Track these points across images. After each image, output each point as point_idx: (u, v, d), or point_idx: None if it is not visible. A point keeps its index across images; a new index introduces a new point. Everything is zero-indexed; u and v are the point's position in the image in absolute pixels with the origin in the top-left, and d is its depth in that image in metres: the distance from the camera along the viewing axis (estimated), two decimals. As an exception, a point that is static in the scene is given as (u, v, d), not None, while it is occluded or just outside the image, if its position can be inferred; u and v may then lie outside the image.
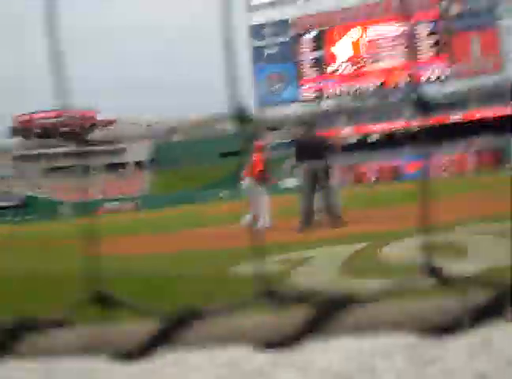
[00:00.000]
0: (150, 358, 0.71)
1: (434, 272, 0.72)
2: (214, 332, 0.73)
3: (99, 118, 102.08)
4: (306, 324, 0.68)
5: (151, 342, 0.73)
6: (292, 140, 14.33)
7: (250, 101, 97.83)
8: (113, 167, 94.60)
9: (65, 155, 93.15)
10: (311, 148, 13.63)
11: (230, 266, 7.19)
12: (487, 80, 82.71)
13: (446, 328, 0.63)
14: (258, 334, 0.72)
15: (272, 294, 0.74)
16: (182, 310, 0.74)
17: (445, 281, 0.71)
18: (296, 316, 0.70)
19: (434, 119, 77.31)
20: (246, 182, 16.35)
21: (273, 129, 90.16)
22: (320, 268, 6.82)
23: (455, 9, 79.88)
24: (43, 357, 0.75)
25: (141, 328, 0.75)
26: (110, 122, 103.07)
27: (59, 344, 0.76)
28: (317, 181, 13.68)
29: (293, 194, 15.66)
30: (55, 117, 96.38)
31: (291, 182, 53.53)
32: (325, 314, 0.69)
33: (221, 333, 0.71)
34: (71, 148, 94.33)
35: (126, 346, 0.73)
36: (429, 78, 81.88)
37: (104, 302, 0.80)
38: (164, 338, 0.73)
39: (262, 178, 16.52)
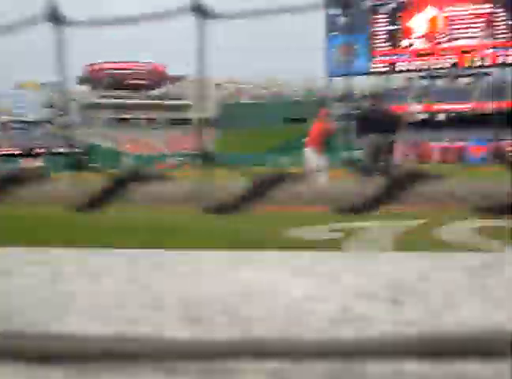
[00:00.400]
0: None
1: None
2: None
3: (169, 73, 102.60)
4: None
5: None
6: (357, 112, 13.88)
7: (320, 70, 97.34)
8: (178, 123, 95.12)
9: (132, 106, 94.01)
10: (376, 122, 13.38)
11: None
12: None
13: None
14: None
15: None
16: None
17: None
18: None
19: (506, 103, 75.85)
20: (308, 150, 16.37)
21: (341, 99, 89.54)
22: (371, 239, 6.93)
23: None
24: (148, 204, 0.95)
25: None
26: (179, 78, 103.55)
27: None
28: (379, 155, 13.58)
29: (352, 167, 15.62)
30: (126, 68, 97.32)
31: (352, 154, 53.18)
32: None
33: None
34: (138, 100, 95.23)
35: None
36: (504, 61, 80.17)
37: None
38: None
39: (324, 146, 16.54)
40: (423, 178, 0.82)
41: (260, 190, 0.87)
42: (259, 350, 0.67)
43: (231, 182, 0.94)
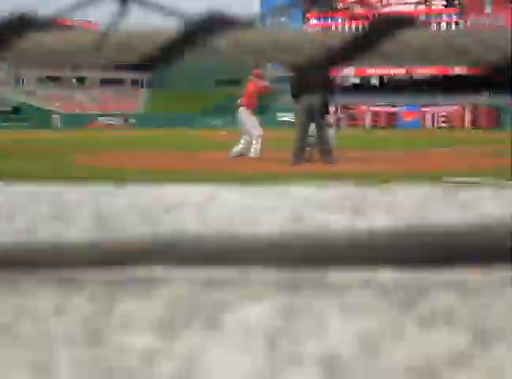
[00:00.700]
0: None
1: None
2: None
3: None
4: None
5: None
6: (292, 75, 14.44)
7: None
8: (110, 82, 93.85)
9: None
10: (310, 82, 13.58)
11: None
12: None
13: None
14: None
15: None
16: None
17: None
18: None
19: (436, 69, 76.91)
20: (242, 111, 16.28)
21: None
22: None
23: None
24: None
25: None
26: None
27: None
28: (313, 116, 13.79)
29: (288, 128, 15.67)
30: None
31: (287, 116, 53.38)
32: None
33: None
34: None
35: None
36: (439, 28, 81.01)
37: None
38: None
39: (257, 107, 16.51)
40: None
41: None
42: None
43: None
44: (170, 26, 0.70)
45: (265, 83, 17.48)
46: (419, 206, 0.87)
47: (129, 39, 0.70)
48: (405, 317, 0.57)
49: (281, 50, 0.68)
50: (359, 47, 0.66)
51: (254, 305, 0.62)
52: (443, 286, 0.66)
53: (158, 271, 0.70)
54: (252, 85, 16.46)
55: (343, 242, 0.71)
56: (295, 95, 13.90)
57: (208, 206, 1.01)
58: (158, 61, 0.70)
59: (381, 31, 0.65)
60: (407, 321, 0.56)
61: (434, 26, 79.61)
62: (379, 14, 0.66)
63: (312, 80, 13.63)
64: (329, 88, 14.23)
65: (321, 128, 13.91)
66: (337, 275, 0.72)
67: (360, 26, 69.89)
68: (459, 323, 0.56)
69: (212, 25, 0.68)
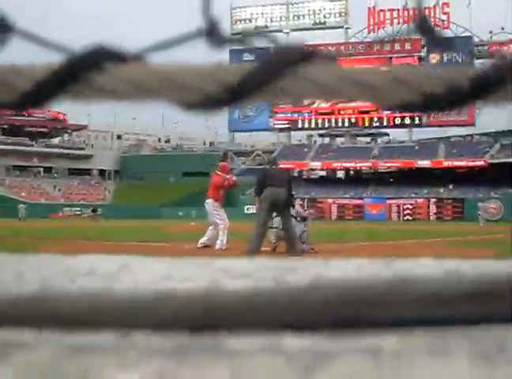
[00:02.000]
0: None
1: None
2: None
3: (70, 121, 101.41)
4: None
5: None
6: (258, 169, 15.41)
7: (222, 125, 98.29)
8: (77, 173, 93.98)
9: (31, 154, 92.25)
10: (274, 178, 14.11)
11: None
12: (459, 131, 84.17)
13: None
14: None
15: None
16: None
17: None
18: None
19: (401, 163, 78.16)
20: (209, 203, 16.31)
21: (241, 155, 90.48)
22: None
23: (433, 58, 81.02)
24: None
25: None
26: (80, 128, 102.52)
27: None
28: (277, 207, 14.06)
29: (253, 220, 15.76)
30: (25, 115, 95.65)
31: (253, 209, 53.56)
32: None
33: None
34: (37, 148, 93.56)
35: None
36: (402, 122, 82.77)
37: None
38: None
39: (224, 199, 16.58)
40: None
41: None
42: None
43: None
44: (52, 60, 0.63)
45: (232, 176, 17.56)
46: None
47: (5, 74, 0.63)
48: None
49: (171, 87, 0.61)
50: (258, 84, 0.60)
51: (125, 373, 0.56)
52: (354, 352, 0.59)
53: (18, 334, 0.63)
54: (217, 177, 16.55)
55: (244, 304, 0.63)
56: (259, 193, 14.21)
57: (118, 273, 0.96)
58: (37, 98, 0.63)
59: (279, 65, 0.59)
60: None
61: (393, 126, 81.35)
62: (277, 47, 0.60)
63: (275, 177, 14.17)
64: (291, 184, 14.61)
65: (286, 220, 14.07)
66: (237, 341, 0.64)
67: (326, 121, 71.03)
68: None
69: (95, 60, 0.61)
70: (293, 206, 14.87)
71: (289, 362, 0.57)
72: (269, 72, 0.59)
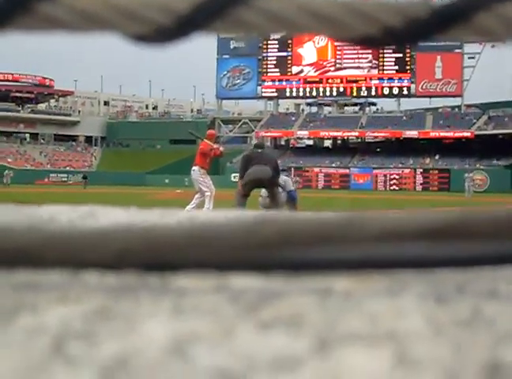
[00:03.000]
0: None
1: None
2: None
3: (56, 87, 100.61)
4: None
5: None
6: (243, 155, 15.71)
7: (210, 92, 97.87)
8: (63, 139, 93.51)
9: (16, 120, 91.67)
10: (258, 159, 14.20)
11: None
12: (447, 102, 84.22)
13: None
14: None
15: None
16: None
17: None
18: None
19: (388, 133, 78.17)
20: (196, 170, 16.27)
21: (229, 122, 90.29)
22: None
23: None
24: None
25: None
26: (67, 93, 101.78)
27: None
28: (263, 186, 14.27)
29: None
30: (10, 80, 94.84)
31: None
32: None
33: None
34: (23, 114, 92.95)
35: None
36: (391, 92, 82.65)
37: None
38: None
39: (210, 167, 16.56)
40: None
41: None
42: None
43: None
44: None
45: (218, 145, 17.50)
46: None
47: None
48: (243, 321, 0.53)
49: (121, 18, 0.59)
50: (211, 13, 0.58)
51: (66, 308, 0.56)
52: (303, 292, 0.59)
53: None
54: (204, 145, 16.49)
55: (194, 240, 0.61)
56: (241, 177, 14.29)
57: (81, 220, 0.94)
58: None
59: None
60: (242, 325, 0.52)
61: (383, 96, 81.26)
62: None
63: (260, 158, 14.25)
64: (277, 163, 14.80)
65: (273, 196, 14.33)
66: (184, 281, 0.63)
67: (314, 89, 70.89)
68: (303, 329, 0.51)
69: None
70: (278, 185, 14.97)
71: (232, 299, 0.58)
72: (219, 2, 0.57)
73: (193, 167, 16.38)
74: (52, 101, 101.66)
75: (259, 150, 15.05)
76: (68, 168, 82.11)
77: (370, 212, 0.63)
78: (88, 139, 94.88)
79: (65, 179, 75.91)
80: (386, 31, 0.58)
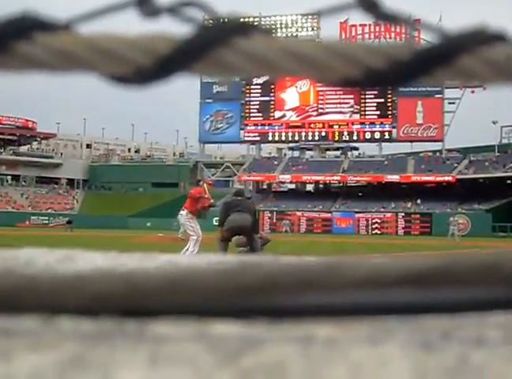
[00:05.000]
0: None
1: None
2: None
3: (39, 129, 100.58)
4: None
5: None
6: (224, 201, 15.92)
7: (192, 136, 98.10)
8: (45, 181, 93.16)
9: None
10: (238, 206, 14.46)
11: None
12: (428, 147, 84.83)
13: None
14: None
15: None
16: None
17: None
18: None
19: (370, 177, 78.53)
20: (183, 214, 16.24)
21: (211, 166, 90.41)
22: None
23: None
24: None
25: None
26: (49, 136, 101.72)
27: None
28: (243, 233, 14.46)
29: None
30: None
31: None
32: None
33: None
34: (5, 155, 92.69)
35: None
36: (372, 137, 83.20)
37: None
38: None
39: (201, 212, 16.58)
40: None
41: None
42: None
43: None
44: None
45: (209, 197, 17.36)
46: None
47: None
48: (222, 370, 0.52)
49: (101, 58, 0.59)
50: (192, 54, 0.58)
51: (38, 355, 0.54)
52: (286, 340, 0.59)
53: None
54: (195, 191, 16.63)
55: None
56: (220, 224, 14.43)
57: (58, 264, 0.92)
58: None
59: (213, 37, 0.58)
60: (220, 374, 0.51)
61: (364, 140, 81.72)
62: (213, 20, 0.59)
63: (239, 205, 14.51)
64: (255, 211, 15.23)
65: (252, 242, 14.54)
66: (163, 327, 0.62)
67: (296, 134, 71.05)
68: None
69: (22, 28, 0.60)
70: (257, 232, 15.22)
71: (211, 347, 0.57)
72: (201, 43, 0.57)
73: (181, 211, 16.37)
74: (34, 143, 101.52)
75: (239, 197, 15.27)
76: (49, 211, 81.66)
77: (352, 257, 0.61)
78: (70, 181, 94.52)
79: (47, 222, 75.41)
80: (369, 74, 0.57)
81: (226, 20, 0.58)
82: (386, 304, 0.60)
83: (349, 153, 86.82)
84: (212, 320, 0.60)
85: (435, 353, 0.56)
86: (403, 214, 70.26)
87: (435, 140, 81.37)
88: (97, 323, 0.61)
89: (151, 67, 0.58)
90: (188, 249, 15.99)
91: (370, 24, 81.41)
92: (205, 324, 0.61)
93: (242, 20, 0.58)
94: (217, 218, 14.98)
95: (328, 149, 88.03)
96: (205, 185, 16.87)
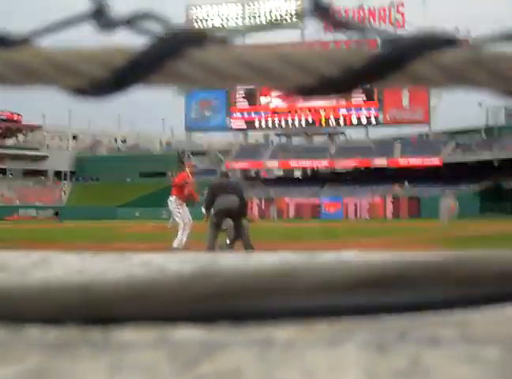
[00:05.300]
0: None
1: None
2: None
3: (24, 122, 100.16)
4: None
5: None
6: (210, 183, 15.75)
7: (179, 124, 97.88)
8: (32, 174, 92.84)
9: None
10: (225, 188, 14.28)
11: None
12: (415, 130, 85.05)
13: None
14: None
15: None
16: None
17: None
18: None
19: (357, 162, 78.69)
20: (172, 201, 16.24)
21: (199, 154, 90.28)
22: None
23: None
24: None
25: None
26: (35, 128, 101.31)
27: None
28: (231, 217, 14.14)
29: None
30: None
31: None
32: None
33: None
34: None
35: None
36: (359, 121, 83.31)
37: None
38: None
39: (188, 198, 16.54)
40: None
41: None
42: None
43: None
44: None
45: (191, 180, 17.32)
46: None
47: None
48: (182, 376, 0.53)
49: (59, 72, 0.59)
50: (147, 66, 0.58)
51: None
52: (245, 344, 0.60)
53: None
54: (179, 178, 16.61)
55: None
56: (208, 208, 14.29)
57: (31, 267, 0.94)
58: None
59: (167, 48, 0.58)
60: None
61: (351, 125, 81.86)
62: (168, 31, 0.59)
63: (226, 187, 14.35)
64: (242, 192, 14.82)
65: (240, 227, 14.29)
66: (126, 334, 0.62)
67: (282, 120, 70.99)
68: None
69: None
70: (246, 214, 14.90)
71: (171, 354, 0.58)
72: (156, 55, 0.57)
73: (170, 198, 16.38)
74: (20, 136, 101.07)
75: (225, 178, 15.15)
76: (37, 203, 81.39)
77: (309, 263, 0.63)
78: (58, 173, 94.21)
79: (35, 215, 75.15)
80: (324, 81, 0.58)
81: (181, 31, 0.59)
82: (346, 305, 0.61)
83: (336, 138, 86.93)
84: (174, 326, 0.62)
85: (389, 355, 0.56)
86: (391, 198, 70.42)
87: (422, 122, 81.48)
88: (62, 331, 0.62)
89: (107, 79, 0.59)
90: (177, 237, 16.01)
91: (353, 10, 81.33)
92: (167, 330, 0.62)
93: (196, 31, 0.59)
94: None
95: (315, 134, 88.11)
96: (187, 169, 16.87)
